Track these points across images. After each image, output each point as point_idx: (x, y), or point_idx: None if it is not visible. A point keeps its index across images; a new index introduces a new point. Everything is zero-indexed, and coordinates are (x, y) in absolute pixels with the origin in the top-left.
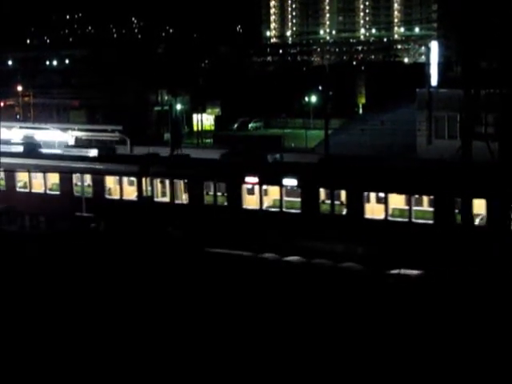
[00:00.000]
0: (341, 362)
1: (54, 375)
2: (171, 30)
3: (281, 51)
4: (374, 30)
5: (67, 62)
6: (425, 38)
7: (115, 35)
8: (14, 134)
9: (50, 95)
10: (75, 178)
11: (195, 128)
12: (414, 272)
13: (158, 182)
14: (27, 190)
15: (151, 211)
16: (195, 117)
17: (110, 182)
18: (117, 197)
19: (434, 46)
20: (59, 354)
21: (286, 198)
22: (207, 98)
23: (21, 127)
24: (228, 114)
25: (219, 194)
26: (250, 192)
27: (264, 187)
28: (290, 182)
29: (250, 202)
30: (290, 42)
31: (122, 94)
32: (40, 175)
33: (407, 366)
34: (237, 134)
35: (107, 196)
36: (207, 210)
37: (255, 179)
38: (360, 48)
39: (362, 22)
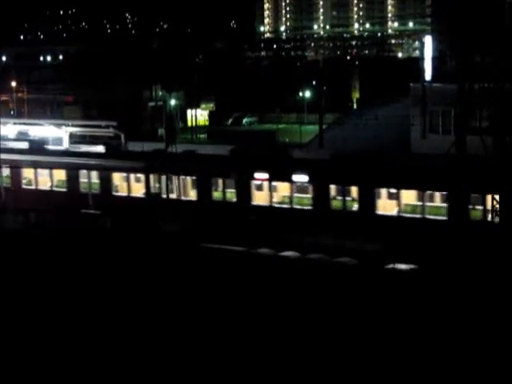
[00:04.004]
0: (338, 356)
1: (54, 375)
2: (165, 26)
3: (275, 46)
4: (367, 25)
5: (61, 57)
6: (418, 33)
7: (109, 31)
8: (8, 130)
9: (44, 91)
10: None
11: (189, 123)
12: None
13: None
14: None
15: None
16: (189, 112)
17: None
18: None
19: (428, 40)
20: (59, 354)
21: None
22: (201, 94)
23: (15, 123)
24: (222, 110)
25: None
26: None
27: None
28: None
29: None
30: (283, 37)
31: (116, 90)
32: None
33: (406, 361)
34: (231, 129)
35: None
36: None
37: None
38: (354, 43)
39: (355, 16)
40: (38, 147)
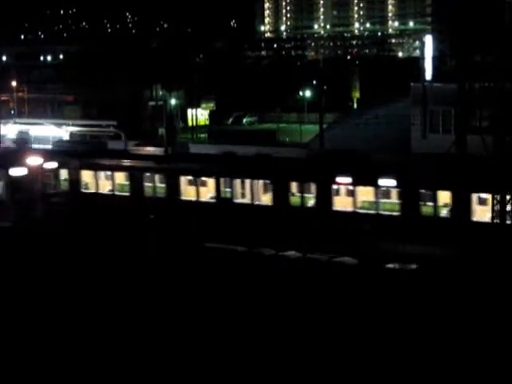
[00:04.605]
0: (338, 356)
1: (54, 375)
2: (166, 25)
3: (275, 46)
4: (368, 25)
5: (61, 57)
6: (419, 32)
7: (109, 30)
8: (9, 129)
9: (44, 90)
10: None
11: (190, 123)
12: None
13: None
14: None
15: None
16: (190, 112)
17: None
18: None
19: (428, 39)
20: (59, 354)
21: None
22: (202, 93)
23: (15, 122)
24: (222, 109)
25: None
26: None
27: None
28: None
29: None
30: (284, 37)
31: (116, 89)
32: None
33: (406, 360)
34: (231, 128)
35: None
36: None
37: None
38: (354, 42)
39: (356, 16)
40: (100, 149)
